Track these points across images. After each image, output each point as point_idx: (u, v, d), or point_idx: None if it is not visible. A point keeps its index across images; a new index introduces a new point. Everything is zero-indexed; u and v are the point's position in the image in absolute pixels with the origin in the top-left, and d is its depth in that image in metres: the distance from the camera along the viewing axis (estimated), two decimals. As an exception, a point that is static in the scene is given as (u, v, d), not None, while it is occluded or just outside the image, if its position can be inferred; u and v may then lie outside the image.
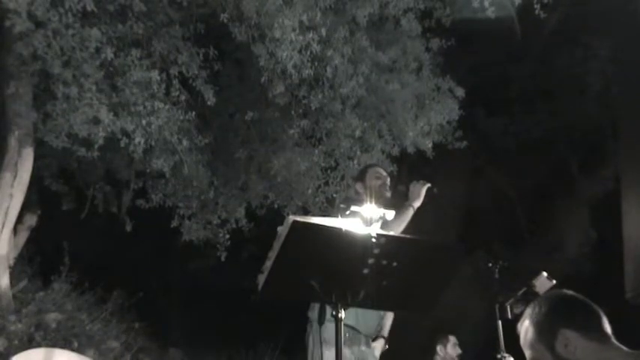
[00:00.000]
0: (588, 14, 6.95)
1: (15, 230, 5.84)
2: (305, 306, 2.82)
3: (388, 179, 3.12)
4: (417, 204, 3.01)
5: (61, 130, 4.66)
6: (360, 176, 3.20)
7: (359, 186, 3.14)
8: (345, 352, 2.70)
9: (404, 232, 2.96)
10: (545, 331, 1.62)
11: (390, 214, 1.98)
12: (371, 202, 2.90)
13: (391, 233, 2.27)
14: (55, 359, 2.86)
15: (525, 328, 1.69)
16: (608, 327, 1.62)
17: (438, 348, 4.75)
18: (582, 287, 1.76)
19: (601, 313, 1.63)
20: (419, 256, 1.90)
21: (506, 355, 3.33)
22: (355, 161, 5.65)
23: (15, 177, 5.15)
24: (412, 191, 3.05)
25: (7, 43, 4.77)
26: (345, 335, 2.72)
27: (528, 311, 1.70)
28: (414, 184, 3.08)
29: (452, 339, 4.77)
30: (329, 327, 2.65)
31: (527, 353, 1.68)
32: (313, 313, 2.74)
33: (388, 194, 3.04)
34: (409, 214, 2.99)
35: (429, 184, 3.06)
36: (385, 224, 2.76)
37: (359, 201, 3.05)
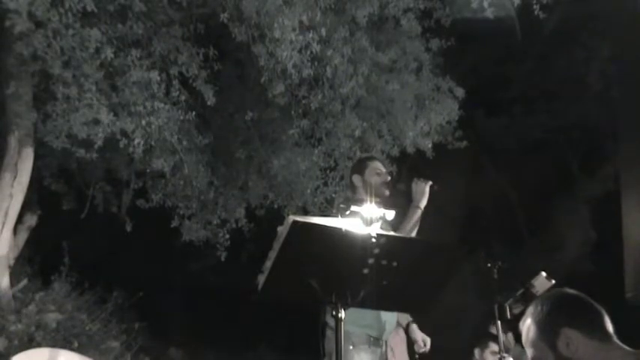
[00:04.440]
0: (588, 14, 6.95)
1: (15, 230, 5.84)
2: (307, 307, 2.80)
3: (388, 177, 3.08)
4: (424, 204, 2.98)
5: (61, 131, 4.66)
6: (359, 169, 3.11)
7: (356, 179, 3.06)
8: (370, 354, 2.72)
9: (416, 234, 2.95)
10: (547, 330, 1.63)
11: (390, 214, 1.97)
12: (369, 198, 2.88)
13: (391, 233, 2.27)
14: (55, 359, 2.86)
15: (527, 326, 1.69)
16: (610, 326, 1.62)
17: (476, 351, 4.38)
18: (582, 287, 1.76)
19: (603, 312, 1.64)
20: (419, 256, 1.90)
21: (505, 355, 3.33)
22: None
23: (15, 177, 5.15)
24: (416, 191, 3.01)
25: (7, 43, 4.77)
26: (370, 339, 2.73)
27: (531, 310, 1.70)
28: (417, 182, 3.03)
29: (492, 345, 4.22)
30: (357, 332, 2.67)
31: (529, 352, 1.68)
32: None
33: (387, 192, 3.01)
34: (417, 215, 2.96)
35: (430, 182, 3.03)
36: (396, 228, 2.76)
37: (357, 196, 3.03)
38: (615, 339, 1.60)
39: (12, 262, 5.69)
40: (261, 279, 1.75)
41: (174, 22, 5.26)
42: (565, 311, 1.65)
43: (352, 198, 3.09)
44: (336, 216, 1.94)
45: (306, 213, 5.81)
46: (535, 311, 1.68)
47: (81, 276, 5.91)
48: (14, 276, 5.61)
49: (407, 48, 5.77)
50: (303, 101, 5.41)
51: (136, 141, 4.85)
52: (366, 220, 1.82)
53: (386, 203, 2.79)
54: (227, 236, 6.22)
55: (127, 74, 4.76)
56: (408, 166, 6.84)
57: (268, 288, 1.76)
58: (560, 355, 1.59)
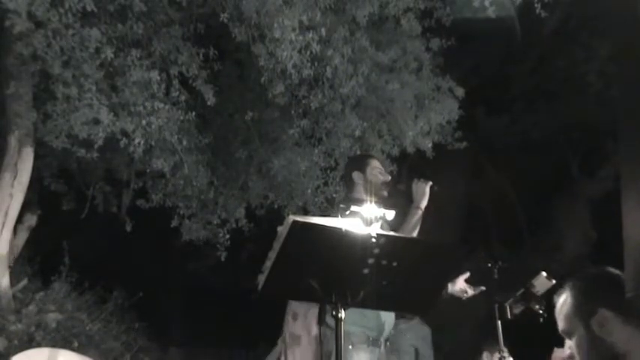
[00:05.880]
0: (588, 14, 6.95)
1: (15, 230, 5.83)
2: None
3: (389, 177, 3.08)
4: (424, 204, 2.98)
5: (61, 131, 4.66)
6: (360, 165, 3.09)
7: (357, 176, 3.04)
8: (368, 354, 2.72)
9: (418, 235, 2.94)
10: (583, 307, 1.59)
11: (390, 214, 1.97)
12: (368, 197, 2.88)
13: (391, 233, 2.27)
14: (55, 359, 2.86)
15: (564, 299, 1.65)
16: None
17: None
18: (582, 287, 1.75)
19: None
20: (419, 256, 1.90)
21: (506, 355, 3.34)
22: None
23: (15, 177, 5.15)
24: (416, 192, 3.00)
25: (7, 43, 4.77)
26: (369, 339, 2.74)
27: (570, 283, 1.67)
28: (417, 183, 3.03)
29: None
30: (357, 331, 2.67)
31: (560, 324, 1.64)
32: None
33: (385, 193, 3.01)
34: (418, 215, 2.96)
35: (430, 183, 3.03)
36: (396, 229, 2.76)
37: (355, 194, 3.02)
38: None
39: (12, 262, 5.69)
40: (261, 279, 1.75)
41: (174, 22, 5.25)
42: (606, 291, 1.60)
43: (349, 196, 3.08)
44: (336, 216, 1.94)
45: (306, 213, 5.81)
46: (575, 285, 1.65)
47: (81, 276, 5.91)
48: (14, 276, 5.61)
49: (407, 48, 5.76)
50: (303, 101, 5.41)
51: (136, 141, 4.85)
52: (366, 220, 1.82)
53: (384, 203, 2.78)
54: (227, 236, 6.21)
55: (127, 74, 4.76)
56: (408, 166, 6.84)
57: (268, 288, 1.76)
58: (591, 333, 1.54)
